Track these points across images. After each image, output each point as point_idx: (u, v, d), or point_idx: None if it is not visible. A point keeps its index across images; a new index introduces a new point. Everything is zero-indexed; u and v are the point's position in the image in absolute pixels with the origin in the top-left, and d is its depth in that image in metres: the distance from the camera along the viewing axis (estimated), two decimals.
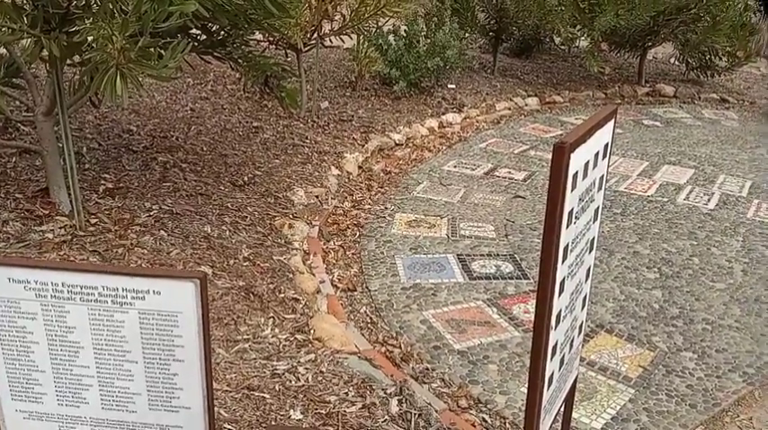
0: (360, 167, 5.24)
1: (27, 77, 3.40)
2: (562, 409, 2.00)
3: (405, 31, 6.73)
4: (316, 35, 5.50)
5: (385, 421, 2.40)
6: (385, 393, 2.55)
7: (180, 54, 2.77)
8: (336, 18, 5.54)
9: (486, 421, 2.64)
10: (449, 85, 7.29)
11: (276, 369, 2.60)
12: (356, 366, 2.70)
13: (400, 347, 3.07)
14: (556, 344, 1.68)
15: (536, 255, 3.89)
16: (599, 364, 3.03)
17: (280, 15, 3.54)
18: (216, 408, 2.32)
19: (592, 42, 7.92)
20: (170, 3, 2.65)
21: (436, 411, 2.55)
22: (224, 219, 3.70)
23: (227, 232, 3.58)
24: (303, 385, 2.53)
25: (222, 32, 3.77)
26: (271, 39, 5.27)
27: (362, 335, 3.14)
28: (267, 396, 2.44)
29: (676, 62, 9.36)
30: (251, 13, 3.43)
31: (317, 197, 4.44)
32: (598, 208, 1.79)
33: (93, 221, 3.30)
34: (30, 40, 2.79)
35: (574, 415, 2.58)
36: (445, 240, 4.20)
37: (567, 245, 1.56)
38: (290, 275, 3.38)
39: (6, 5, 2.64)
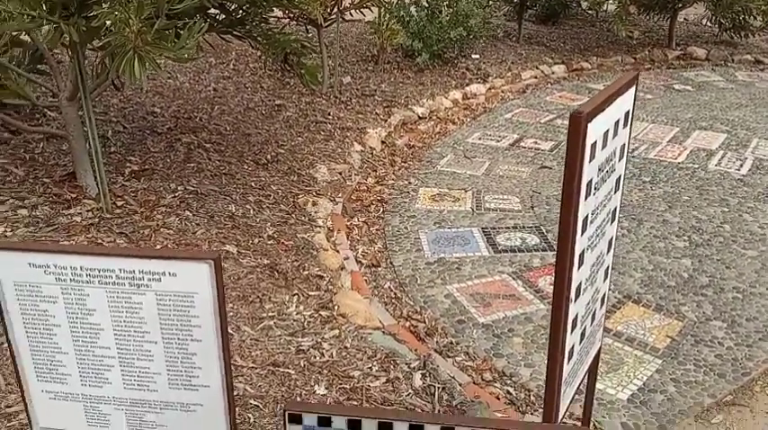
0: (383, 142, 5.21)
1: (50, 63, 3.45)
2: (585, 381, 1.99)
3: (427, 1, 6.63)
4: (336, 9, 5.44)
5: (409, 395, 2.42)
6: (409, 367, 2.57)
7: (197, 34, 2.77)
8: None
9: (510, 393, 2.64)
10: (473, 55, 7.18)
11: (301, 345, 2.63)
12: (380, 341, 2.71)
13: (424, 322, 3.08)
14: (576, 316, 1.67)
15: None
16: (626, 335, 3.00)
17: None
18: (242, 385, 2.37)
19: (620, 5, 7.71)
20: None
21: (460, 384, 2.56)
22: (248, 198, 3.72)
23: (252, 211, 3.61)
24: (327, 361, 2.56)
25: (241, 11, 3.75)
26: (291, 15, 5.24)
27: (386, 310, 3.16)
28: (292, 372, 2.48)
29: (708, 23, 9.06)
30: None
31: (340, 174, 4.43)
32: (620, 177, 1.75)
33: (119, 204, 3.36)
34: (50, 26, 2.82)
35: (599, 386, 2.56)
36: (470, 214, 4.17)
37: (587, 216, 1.53)
38: (314, 252, 3.40)
39: None
